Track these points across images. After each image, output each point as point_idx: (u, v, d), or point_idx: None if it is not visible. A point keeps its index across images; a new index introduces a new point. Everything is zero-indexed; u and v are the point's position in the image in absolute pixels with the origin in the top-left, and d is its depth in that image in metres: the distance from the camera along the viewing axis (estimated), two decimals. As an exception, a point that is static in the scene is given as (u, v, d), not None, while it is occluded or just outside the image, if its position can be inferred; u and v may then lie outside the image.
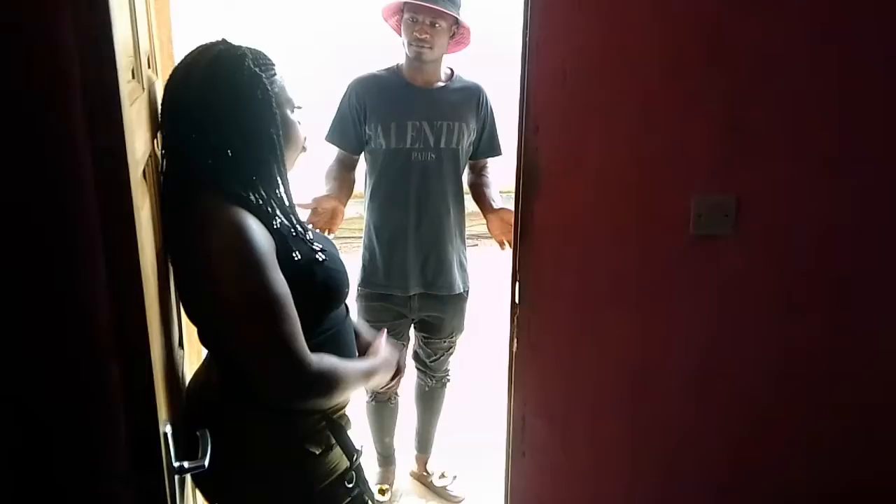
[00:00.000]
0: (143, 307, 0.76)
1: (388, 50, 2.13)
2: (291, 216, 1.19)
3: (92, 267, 0.74)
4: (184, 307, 1.22)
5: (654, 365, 1.38)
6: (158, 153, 1.18)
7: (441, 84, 2.09)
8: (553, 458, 1.44)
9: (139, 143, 0.92)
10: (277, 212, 1.16)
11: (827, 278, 1.33)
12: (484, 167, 2.27)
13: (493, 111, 2.18)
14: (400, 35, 2.07)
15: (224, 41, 1.16)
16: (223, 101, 1.10)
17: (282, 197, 1.18)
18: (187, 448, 1.07)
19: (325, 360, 1.14)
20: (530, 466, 1.43)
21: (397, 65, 2.11)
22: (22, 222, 0.73)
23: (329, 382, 1.14)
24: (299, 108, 1.24)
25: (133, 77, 0.99)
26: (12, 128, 0.71)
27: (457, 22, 2.02)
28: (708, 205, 1.26)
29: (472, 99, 2.11)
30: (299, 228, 1.20)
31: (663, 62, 1.21)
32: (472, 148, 2.17)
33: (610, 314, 1.35)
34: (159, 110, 1.16)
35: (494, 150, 2.22)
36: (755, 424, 1.42)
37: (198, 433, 1.07)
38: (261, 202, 1.13)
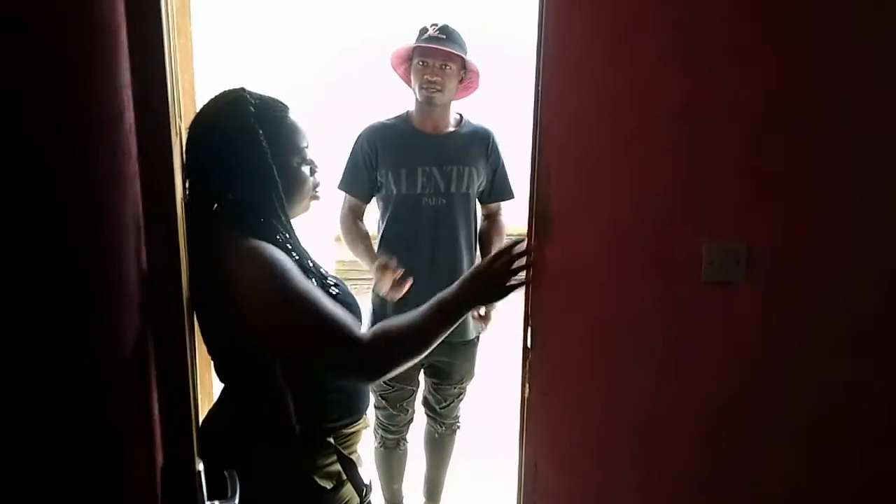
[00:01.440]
0: (185, 344, 0.77)
1: (388, 49, 2.17)
2: (303, 253, 1.22)
3: (139, 303, 0.74)
4: (206, 342, 1.24)
5: (667, 411, 1.36)
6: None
7: (450, 129, 2.13)
8: (566, 507, 1.41)
9: (178, 189, 0.95)
10: (289, 247, 1.19)
11: (840, 323, 1.32)
12: (497, 213, 2.29)
13: (503, 155, 2.21)
14: (408, 84, 2.13)
15: (240, 89, 1.20)
16: (219, 152, 1.16)
17: (290, 240, 1.21)
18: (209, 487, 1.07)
19: (377, 328, 1.17)
20: (542, 515, 1.40)
21: (407, 112, 2.16)
22: (74, 262, 0.74)
23: (388, 343, 1.15)
24: (310, 161, 1.26)
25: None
26: (56, 172, 0.72)
27: (464, 66, 2.08)
28: (719, 251, 1.27)
29: (481, 143, 2.15)
30: (309, 264, 1.23)
31: (674, 109, 1.23)
32: (482, 192, 2.20)
33: (622, 360, 1.34)
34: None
35: (505, 194, 2.25)
36: (770, 471, 1.39)
37: (225, 473, 1.07)
38: (274, 238, 1.17)
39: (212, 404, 1.38)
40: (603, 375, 1.35)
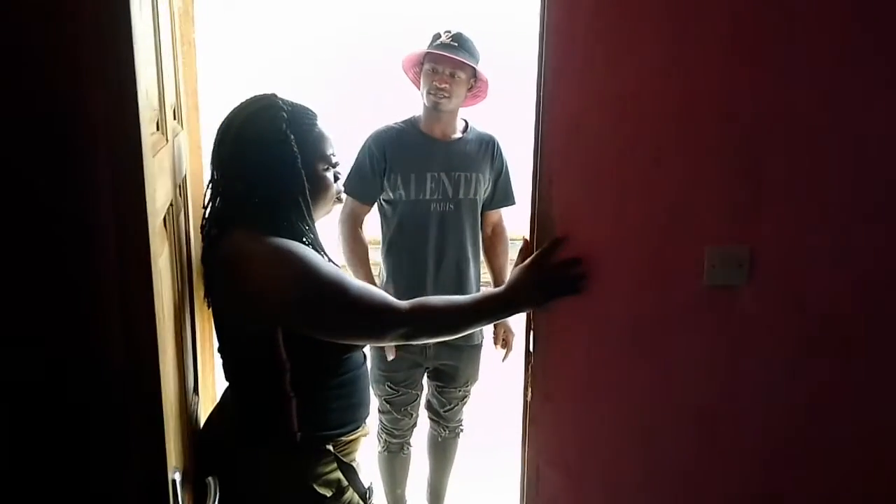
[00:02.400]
0: (157, 354, 0.78)
1: (391, 51, 2.18)
2: (325, 254, 1.25)
3: (109, 312, 0.75)
4: (220, 335, 1.26)
5: (670, 415, 1.36)
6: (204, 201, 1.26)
7: (457, 136, 2.14)
8: (568, 512, 1.40)
9: (161, 192, 0.95)
10: (313, 248, 1.22)
11: (843, 327, 1.31)
12: (499, 221, 2.30)
13: (506, 161, 2.21)
14: (418, 88, 2.13)
15: (271, 96, 1.23)
16: (250, 157, 1.19)
17: (314, 241, 1.24)
18: (198, 494, 1.07)
19: (418, 299, 1.22)
20: (544, 521, 1.40)
21: (414, 117, 2.16)
22: (42, 267, 0.75)
23: (426, 313, 1.21)
24: (335, 165, 1.29)
25: (157, 129, 1.02)
26: (36, 177, 0.73)
27: (475, 75, 2.08)
28: (721, 255, 1.26)
29: (487, 150, 2.15)
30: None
31: (676, 114, 1.23)
32: (485, 199, 2.20)
33: (624, 364, 1.34)
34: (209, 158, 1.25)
35: (508, 200, 2.26)
36: (775, 474, 1.39)
37: (207, 480, 1.07)
38: (299, 239, 1.20)
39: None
40: (605, 380, 1.34)
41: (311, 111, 1.26)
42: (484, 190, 2.15)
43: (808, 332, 1.31)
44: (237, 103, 1.24)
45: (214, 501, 1.03)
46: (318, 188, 1.25)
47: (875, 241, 1.27)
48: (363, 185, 2.12)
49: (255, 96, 1.24)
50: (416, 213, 2.08)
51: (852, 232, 1.27)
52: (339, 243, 2.18)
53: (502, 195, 2.23)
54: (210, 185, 1.24)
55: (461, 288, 2.12)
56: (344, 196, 2.17)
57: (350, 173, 2.14)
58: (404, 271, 2.12)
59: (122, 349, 0.76)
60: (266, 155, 1.18)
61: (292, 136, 1.19)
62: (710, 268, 1.27)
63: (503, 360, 2.26)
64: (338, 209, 2.11)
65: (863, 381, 1.34)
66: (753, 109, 1.22)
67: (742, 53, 1.21)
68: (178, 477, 0.88)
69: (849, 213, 1.26)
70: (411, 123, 2.15)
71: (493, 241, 2.29)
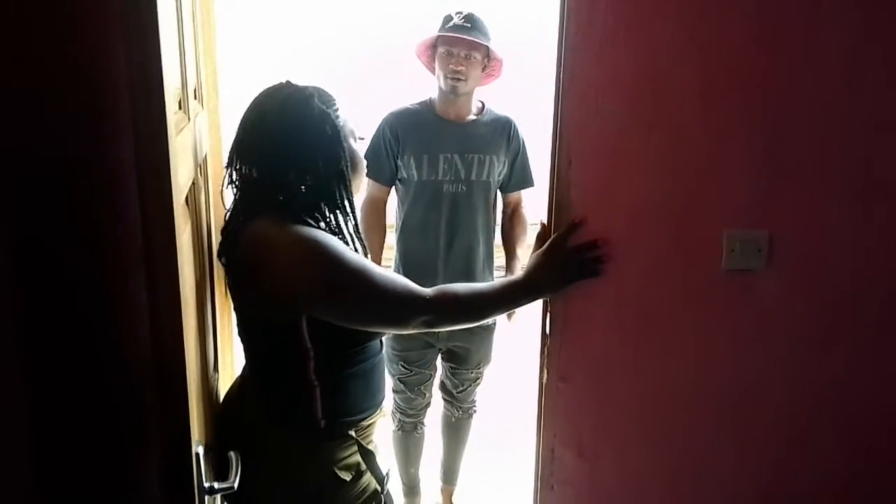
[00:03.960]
0: (182, 331, 0.79)
1: (408, 33, 2.17)
2: (357, 239, 1.27)
3: (132, 289, 0.77)
4: (243, 324, 1.27)
5: (686, 398, 1.36)
6: (223, 186, 1.26)
7: (472, 117, 2.13)
8: (583, 492, 1.42)
9: (183, 170, 0.95)
10: (345, 234, 1.24)
11: (862, 311, 1.30)
12: (518, 205, 2.29)
13: (525, 143, 2.20)
14: (431, 71, 2.12)
15: (289, 83, 1.23)
16: (297, 142, 1.17)
17: (348, 222, 1.26)
18: (219, 468, 1.09)
19: (441, 286, 1.24)
20: (559, 500, 1.41)
21: (430, 99, 2.16)
22: (68, 244, 0.77)
23: (449, 300, 1.22)
24: (361, 138, 1.30)
25: (180, 108, 1.03)
26: (64, 154, 0.75)
27: (488, 54, 2.07)
28: (740, 239, 1.25)
29: (503, 132, 2.15)
30: (362, 251, 1.28)
31: (695, 96, 1.22)
32: (502, 180, 2.19)
33: (640, 347, 1.34)
34: (229, 149, 1.24)
35: (526, 182, 2.24)
36: (791, 458, 1.39)
37: (230, 454, 1.09)
38: (326, 225, 1.21)
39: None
40: (621, 362, 1.35)
41: (327, 91, 1.26)
42: (499, 172, 2.15)
43: (826, 317, 1.31)
44: (255, 90, 1.23)
45: (236, 476, 1.05)
46: (356, 161, 1.27)
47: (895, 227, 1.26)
48: (379, 167, 2.13)
49: (273, 86, 1.23)
50: (428, 193, 2.09)
51: (873, 217, 1.26)
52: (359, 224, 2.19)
53: (519, 177, 2.22)
54: (238, 178, 1.22)
55: (470, 269, 2.12)
56: (367, 183, 2.18)
57: (366, 155, 2.15)
58: (415, 251, 2.13)
59: (147, 325, 0.77)
60: (314, 138, 1.17)
61: (328, 121, 1.19)
62: (728, 252, 1.26)
63: (509, 317, 2.26)
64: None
65: (881, 367, 1.33)
66: (775, 92, 1.21)
67: (764, 34, 1.19)
68: (201, 450, 0.89)
69: (869, 198, 1.25)
70: (426, 105, 2.15)
71: (512, 224, 2.29)
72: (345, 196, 1.22)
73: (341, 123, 1.22)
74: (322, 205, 1.21)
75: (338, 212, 1.23)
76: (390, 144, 2.11)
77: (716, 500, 1.42)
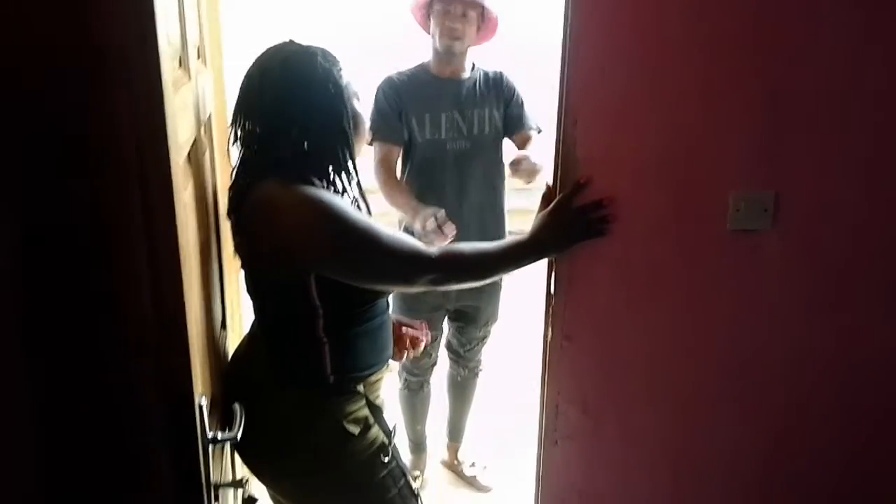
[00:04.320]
0: (182, 284, 0.80)
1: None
2: (362, 199, 1.28)
3: (133, 244, 0.77)
4: (252, 283, 1.29)
5: (689, 358, 1.37)
6: (229, 143, 1.25)
7: (466, 75, 2.12)
8: (586, 447, 1.44)
9: (183, 128, 0.95)
10: (349, 194, 1.24)
11: (869, 274, 1.29)
12: (526, 144, 2.25)
13: (518, 91, 2.17)
14: (425, 30, 2.10)
15: (292, 42, 1.21)
16: (299, 99, 1.17)
17: (352, 182, 1.26)
18: (226, 420, 1.11)
19: (447, 246, 1.28)
20: (563, 455, 1.44)
21: (423, 63, 2.15)
22: (66, 201, 0.77)
23: (455, 260, 1.24)
24: (359, 99, 1.29)
25: (180, 65, 1.02)
26: (59, 109, 0.74)
27: (483, 13, 2.05)
28: (746, 199, 1.24)
29: (496, 83, 2.15)
30: (367, 210, 1.28)
31: (701, 55, 1.20)
32: (502, 128, 2.17)
33: (645, 307, 1.34)
34: (232, 109, 1.23)
35: (524, 125, 2.17)
36: (793, 419, 1.40)
37: (234, 406, 1.12)
38: (331, 186, 1.21)
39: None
40: (626, 322, 1.35)
41: (331, 52, 1.25)
42: (499, 125, 2.15)
43: (832, 278, 1.30)
44: (258, 50, 1.22)
45: (240, 427, 1.07)
46: (358, 122, 1.27)
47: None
48: (389, 127, 2.11)
49: (277, 45, 1.22)
50: (432, 152, 2.09)
51: (880, 180, 1.24)
52: (380, 188, 2.13)
53: (517, 119, 2.17)
54: (242, 136, 1.22)
55: (481, 227, 2.12)
56: (375, 146, 2.12)
57: (373, 119, 2.10)
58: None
59: (148, 280, 0.78)
60: (317, 96, 1.17)
61: (332, 80, 1.18)
62: (734, 212, 1.25)
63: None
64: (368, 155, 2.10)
65: (888, 333, 1.33)
66: (782, 53, 1.19)
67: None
68: (204, 402, 0.91)
69: (876, 161, 1.23)
70: (421, 68, 2.15)
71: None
72: (347, 155, 1.22)
73: (345, 83, 1.21)
74: (327, 165, 1.21)
75: (343, 172, 1.23)
76: (396, 103, 2.10)
77: (722, 457, 1.43)
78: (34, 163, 0.75)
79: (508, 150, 2.18)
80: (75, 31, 0.72)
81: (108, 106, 0.74)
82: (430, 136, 2.07)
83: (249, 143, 1.21)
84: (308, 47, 1.21)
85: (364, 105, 1.31)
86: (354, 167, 1.25)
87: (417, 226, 1.94)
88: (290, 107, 1.16)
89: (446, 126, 2.06)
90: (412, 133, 2.09)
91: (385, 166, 2.13)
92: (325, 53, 1.21)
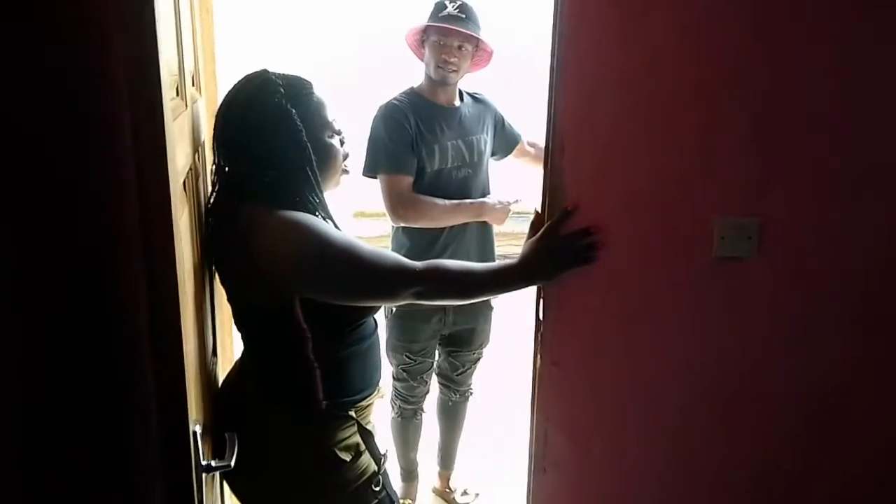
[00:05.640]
0: (179, 312, 0.80)
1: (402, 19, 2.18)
2: (337, 226, 1.26)
3: (132, 271, 0.78)
4: (237, 313, 1.29)
5: (676, 384, 1.38)
6: (209, 171, 1.27)
7: (458, 102, 2.15)
8: (575, 475, 1.44)
9: (180, 156, 0.97)
10: (324, 220, 1.24)
11: (853, 301, 1.31)
12: (523, 151, 2.37)
13: (499, 109, 2.27)
14: (419, 56, 2.12)
15: (265, 72, 1.23)
16: (255, 139, 1.19)
17: (325, 215, 1.25)
18: (217, 448, 1.11)
19: (433, 261, 1.26)
20: (552, 483, 1.44)
21: (412, 89, 2.13)
22: (67, 229, 0.78)
23: (439, 275, 1.24)
24: (339, 132, 1.30)
25: (177, 94, 1.04)
26: (62, 139, 0.76)
27: (478, 45, 2.08)
28: (731, 227, 1.27)
29: (486, 109, 2.21)
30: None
31: (689, 85, 1.23)
32: (494, 150, 2.25)
33: (633, 333, 1.35)
34: (210, 135, 1.25)
35: (518, 138, 2.31)
36: (781, 446, 1.40)
37: (226, 435, 1.12)
38: (310, 212, 1.21)
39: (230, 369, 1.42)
40: (614, 348, 1.37)
41: (305, 81, 1.26)
42: (491, 149, 2.21)
43: (817, 306, 1.32)
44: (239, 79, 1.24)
45: (233, 455, 1.07)
46: (327, 157, 1.26)
47: (889, 215, 1.27)
48: (401, 160, 2.03)
49: (249, 75, 1.23)
50: (439, 182, 2.07)
51: (863, 208, 1.27)
52: (416, 219, 2.05)
53: (511, 136, 2.29)
54: (214, 168, 1.25)
55: (479, 250, 2.16)
56: (388, 181, 2.04)
57: (386, 153, 2.03)
58: (431, 242, 2.11)
59: (146, 306, 0.79)
60: (271, 134, 1.18)
61: (293, 111, 1.19)
62: (719, 239, 1.27)
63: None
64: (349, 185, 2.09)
65: (874, 358, 1.34)
66: (768, 81, 1.22)
67: (757, 23, 1.20)
68: (198, 429, 0.91)
69: (860, 189, 1.25)
70: (417, 95, 2.11)
71: (534, 154, 2.35)
72: (309, 190, 1.22)
73: (311, 116, 1.22)
74: (294, 197, 1.21)
75: (308, 204, 1.22)
76: (407, 133, 2.02)
77: (711, 485, 1.44)
78: (34, 192, 0.76)
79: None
80: (77, 60, 0.74)
81: (109, 136, 0.75)
82: (439, 167, 2.07)
83: (219, 174, 1.24)
84: (271, 81, 1.21)
85: (346, 133, 1.32)
86: (321, 199, 1.25)
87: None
88: (248, 146, 1.19)
89: (452, 155, 2.07)
90: (422, 163, 2.04)
91: (407, 195, 2.03)
92: (291, 87, 1.22)
